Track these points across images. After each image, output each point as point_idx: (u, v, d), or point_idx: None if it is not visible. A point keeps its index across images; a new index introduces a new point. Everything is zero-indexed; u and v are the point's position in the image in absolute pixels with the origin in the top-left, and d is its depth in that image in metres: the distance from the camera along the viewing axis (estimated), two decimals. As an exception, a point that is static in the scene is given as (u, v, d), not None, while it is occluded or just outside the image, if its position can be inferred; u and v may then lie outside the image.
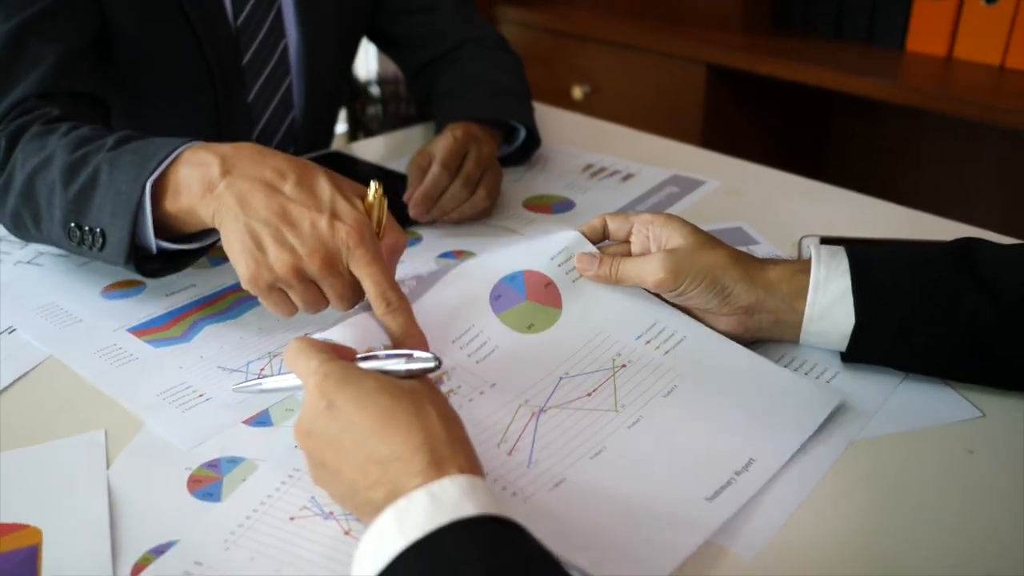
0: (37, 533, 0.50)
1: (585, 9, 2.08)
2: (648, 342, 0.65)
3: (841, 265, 0.62)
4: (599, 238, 0.70)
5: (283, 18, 1.04)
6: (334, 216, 0.59)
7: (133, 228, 0.66)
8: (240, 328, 0.71)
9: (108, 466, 0.56)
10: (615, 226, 0.69)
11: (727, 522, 0.51)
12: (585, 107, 1.98)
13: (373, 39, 1.22)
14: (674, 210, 0.92)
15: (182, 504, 0.53)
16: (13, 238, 0.81)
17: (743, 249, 0.67)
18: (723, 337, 0.65)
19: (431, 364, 0.50)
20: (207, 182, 0.62)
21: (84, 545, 0.49)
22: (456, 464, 0.44)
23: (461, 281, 0.67)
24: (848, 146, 2.05)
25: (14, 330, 0.70)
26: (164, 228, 0.67)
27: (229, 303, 0.74)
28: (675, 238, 0.65)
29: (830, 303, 0.62)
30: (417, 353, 0.51)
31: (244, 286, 0.61)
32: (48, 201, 0.70)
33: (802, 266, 0.64)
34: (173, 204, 0.65)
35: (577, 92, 2.01)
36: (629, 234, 0.69)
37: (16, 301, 0.74)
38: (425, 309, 0.65)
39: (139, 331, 0.70)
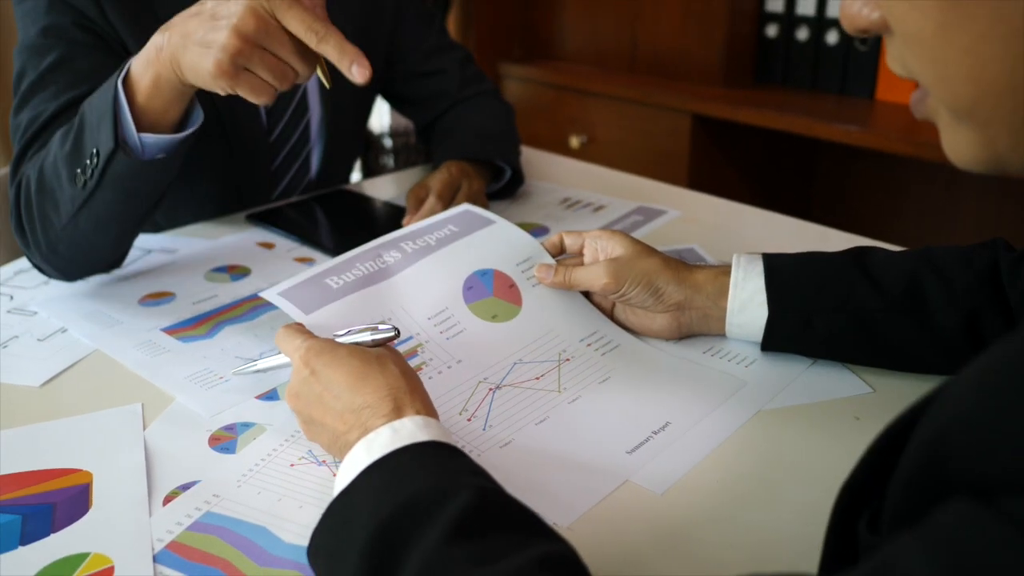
0: (88, 475, 0.63)
1: (582, 65, 2.24)
2: (589, 345, 0.77)
3: (757, 267, 0.74)
4: (557, 252, 0.83)
5: (308, 95, 1.15)
6: None
7: (116, 126, 0.76)
8: (255, 328, 0.83)
9: (144, 429, 0.68)
10: (570, 241, 0.82)
11: (647, 466, 0.62)
12: (582, 155, 2.11)
13: (386, 98, 1.36)
14: (637, 235, 1.04)
15: (204, 456, 0.65)
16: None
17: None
18: (650, 347, 0.78)
19: (391, 333, 0.63)
20: (156, 46, 0.75)
21: (126, 482, 0.62)
22: (414, 408, 0.56)
23: (440, 264, 0.79)
24: (834, 189, 2.17)
25: (66, 330, 0.84)
26: (152, 125, 0.79)
27: (246, 309, 0.87)
28: (617, 248, 0.78)
29: (747, 298, 0.74)
30: (380, 325, 0.63)
31: (218, 85, 0.73)
32: (55, 174, 0.82)
33: (725, 269, 0.76)
34: (143, 83, 0.76)
35: (574, 141, 2.16)
36: (582, 248, 0.81)
37: (66, 308, 0.88)
38: (406, 281, 0.77)
39: (170, 330, 0.83)
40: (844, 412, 0.69)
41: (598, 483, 0.61)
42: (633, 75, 2.13)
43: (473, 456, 0.63)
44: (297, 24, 0.71)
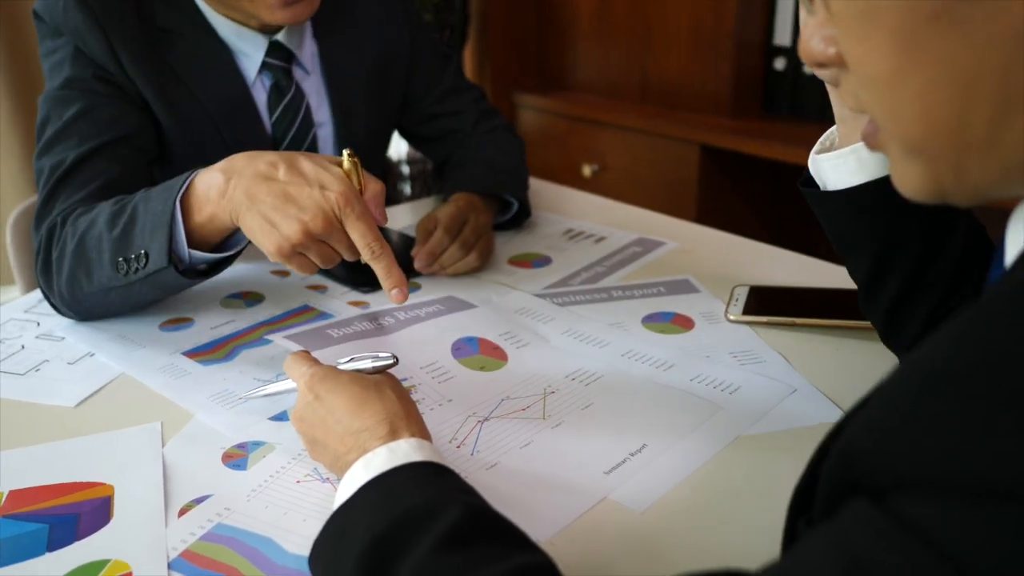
0: (110, 488, 0.68)
1: (594, 96, 2.30)
2: (573, 379, 0.82)
3: None
4: None
5: (318, 139, 1.19)
6: (322, 187, 0.76)
7: (170, 241, 0.81)
8: (270, 351, 0.88)
9: (163, 446, 0.73)
10: None
11: (625, 485, 0.66)
12: (593, 183, 2.17)
13: (402, 135, 1.41)
14: (634, 266, 1.09)
15: (217, 472, 0.70)
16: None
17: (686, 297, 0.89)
18: (634, 375, 0.82)
19: (390, 361, 0.68)
20: (219, 189, 0.79)
21: (144, 495, 0.67)
22: (409, 431, 0.61)
23: (429, 330, 0.90)
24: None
25: (93, 354, 0.89)
26: (197, 242, 0.83)
27: (261, 334, 0.92)
28: None
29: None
30: (380, 353, 0.68)
31: (272, 258, 0.77)
32: (97, 250, 0.86)
33: None
34: (200, 215, 0.81)
35: (586, 170, 2.21)
36: None
37: (92, 334, 0.93)
38: (403, 338, 0.87)
39: (191, 354, 0.89)
40: (820, 438, 0.72)
41: (576, 501, 0.65)
42: (643, 106, 2.18)
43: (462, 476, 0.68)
44: (359, 236, 0.76)
